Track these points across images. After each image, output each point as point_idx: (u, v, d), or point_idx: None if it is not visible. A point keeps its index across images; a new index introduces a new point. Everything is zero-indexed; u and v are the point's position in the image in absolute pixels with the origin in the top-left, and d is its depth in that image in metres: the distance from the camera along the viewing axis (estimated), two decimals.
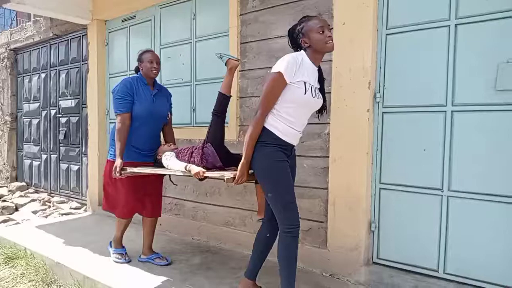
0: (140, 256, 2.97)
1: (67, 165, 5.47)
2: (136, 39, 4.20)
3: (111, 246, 3.05)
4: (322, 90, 2.08)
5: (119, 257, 2.95)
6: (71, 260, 2.94)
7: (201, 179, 2.23)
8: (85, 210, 4.90)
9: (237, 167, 2.05)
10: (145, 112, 2.68)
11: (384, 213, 2.56)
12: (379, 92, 2.53)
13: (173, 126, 3.02)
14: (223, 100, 2.44)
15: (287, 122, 1.96)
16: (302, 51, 2.00)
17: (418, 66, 2.39)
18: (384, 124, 2.54)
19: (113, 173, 2.56)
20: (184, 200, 3.70)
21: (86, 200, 4.96)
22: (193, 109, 3.61)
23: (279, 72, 1.87)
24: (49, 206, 5.26)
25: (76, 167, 5.30)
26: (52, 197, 5.56)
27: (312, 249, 2.78)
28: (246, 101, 3.17)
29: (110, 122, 4.56)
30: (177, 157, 2.47)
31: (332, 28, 2.50)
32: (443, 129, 2.31)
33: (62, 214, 4.76)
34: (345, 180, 2.58)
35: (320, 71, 2.05)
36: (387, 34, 2.49)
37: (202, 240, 3.50)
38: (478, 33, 2.18)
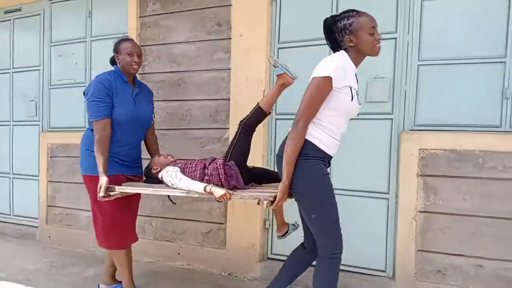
0: (99, 286, 2.50)
1: None
2: (21, 34, 3.81)
3: None
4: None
5: None
6: None
7: (219, 201, 1.89)
8: None
9: (255, 182, 1.98)
10: (128, 116, 2.19)
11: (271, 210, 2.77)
12: None
13: (64, 129, 2.82)
14: (260, 116, 2.05)
15: (329, 132, 1.73)
16: (342, 51, 1.75)
17: (304, 79, 2.64)
18: (277, 129, 2.76)
19: (98, 194, 2.04)
20: (78, 209, 3.46)
21: None
22: None
23: (328, 77, 1.63)
24: None
25: None
26: None
27: (212, 250, 2.87)
28: None
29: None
30: (183, 172, 2.04)
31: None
32: None
33: None
34: None
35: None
36: (279, 48, 2.74)
37: (98, 250, 3.31)
38: None
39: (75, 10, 3.48)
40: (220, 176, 1.95)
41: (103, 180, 2.03)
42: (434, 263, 2.35)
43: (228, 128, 2.81)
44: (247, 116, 2.05)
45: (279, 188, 1.69)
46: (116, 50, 2.27)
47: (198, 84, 2.92)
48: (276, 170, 1.95)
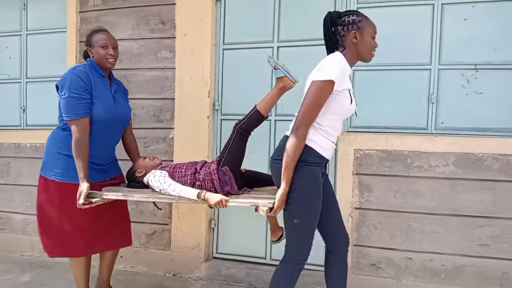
0: None
1: None
2: None
3: None
4: None
5: None
6: None
7: (211, 206, 1.81)
8: None
9: (247, 186, 1.93)
10: (107, 115, 1.98)
11: (222, 209, 2.80)
12: (218, 101, 2.77)
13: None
14: (257, 120, 1.99)
15: (327, 136, 1.70)
16: (338, 53, 1.70)
17: (249, 80, 2.71)
18: (222, 130, 2.78)
19: (78, 201, 1.85)
20: (12, 212, 3.26)
21: None
22: (23, 110, 3.23)
23: (331, 81, 1.59)
24: None
25: None
26: None
27: (156, 251, 2.84)
28: None
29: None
30: (172, 177, 1.91)
31: None
32: (268, 135, 2.68)
33: None
34: None
35: None
36: (224, 49, 2.75)
37: (35, 255, 3.14)
38: (295, 56, 2.62)
39: (8, 1, 3.25)
40: (214, 182, 1.86)
41: (84, 187, 1.85)
42: (369, 257, 2.50)
43: (173, 128, 2.78)
44: (243, 119, 1.98)
45: (277, 195, 1.63)
46: (88, 43, 2.06)
47: (141, 83, 2.86)
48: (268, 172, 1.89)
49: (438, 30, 2.37)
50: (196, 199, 1.78)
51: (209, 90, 2.69)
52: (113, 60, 2.04)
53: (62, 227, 2.00)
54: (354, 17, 1.69)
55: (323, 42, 1.81)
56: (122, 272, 2.86)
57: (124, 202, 2.20)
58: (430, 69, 2.39)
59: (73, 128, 1.90)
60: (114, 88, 2.10)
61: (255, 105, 2.00)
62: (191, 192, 1.80)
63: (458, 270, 2.35)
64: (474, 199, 2.31)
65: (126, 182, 2.15)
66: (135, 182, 2.06)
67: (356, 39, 1.68)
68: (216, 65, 2.76)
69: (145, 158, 2.12)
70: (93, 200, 1.87)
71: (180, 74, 2.74)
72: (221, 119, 2.78)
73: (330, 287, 1.91)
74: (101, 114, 1.96)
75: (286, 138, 1.71)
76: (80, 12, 2.99)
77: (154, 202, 2.08)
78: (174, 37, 2.75)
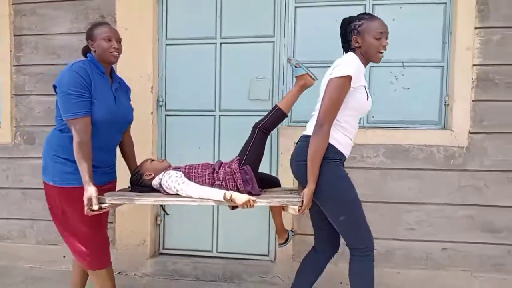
0: None
1: None
2: None
3: None
4: None
5: None
6: None
7: (233, 207, 1.75)
8: None
9: (262, 188, 1.90)
10: (107, 115, 1.86)
11: (169, 205, 2.80)
12: (161, 96, 2.76)
13: None
14: (279, 118, 2.05)
15: (346, 132, 1.74)
16: (351, 53, 1.76)
17: (193, 76, 2.73)
18: (167, 125, 2.78)
19: (86, 208, 1.72)
20: None
21: None
22: None
23: (349, 76, 1.63)
24: None
25: None
26: None
27: None
28: (23, 99, 2.87)
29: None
30: (188, 178, 1.84)
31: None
32: (213, 130, 2.72)
33: None
34: None
35: None
36: (167, 44, 2.75)
37: None
38: (237, 52, 2.67)
39: None
40: (237, 181, 1.83)
41: (92, 191, 1.72)
42: (309, 244, 2.58)
43: None
44: (264, 118, 2.02)
45: (305, 194, 1.66)
46: (89, 36, 1.92)
47: None
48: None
49: None
50: (221, 199, 1.71)
51: (152, 85, 2.68)
52: (117, 53, 1.92)
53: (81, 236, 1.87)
54: (356, 22, 1.75)
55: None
56: (66, 272, 2.78)
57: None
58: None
59: (74, 128, 1.76)
60: (116, 87, 1.97)
61: (276, 104, 2.06)
62: (216, 193, 1.73)
63: (389, 253, 2.54)
64: (402, 187, 2.51)
65: (130, 185, 2.03)
66: (141, 186, 1.95)
67: (358, 43, 1.74)
68: (159, 61, 2.75)
69: (153, 160, 2.03)
70: (103, 205, 1.74)
71: (122, 69, 2.68)
72: (166, 115, 2.78)
73: (302, 277, 1.99)
74: (102, 114, 1.83)
75: (304, 138, 1.76)
76: (13, 4, 2.85)
77: (162, 207, 1.96)
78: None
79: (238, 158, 1.94)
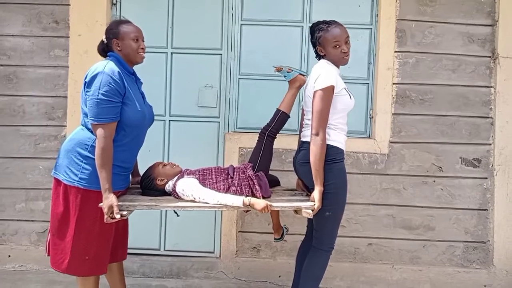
0: None
1: None
2: None
3: None
4: None
5: None
6: None
7: (246, 211, 1.82)
8: None
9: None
10: (142, 116, 1.83)
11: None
12: None
13: None
14: (284, 121, 2.17)
15: (342, 131, 1.99)
16: (323, 60, 1.99)
17: (145, 82, 2.83)
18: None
19: (106, 217, 1.68)
20: None
21: None
22: None
23: (331, 86, 1.85)
24: None
25: None
26: None
27: None
28: None
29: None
30: (203, 184, 1.89)
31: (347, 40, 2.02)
32: (162, 134, 2.88)
33: None
34: None
35: None
36: None
37: None
38: (187, 62, 2.86)
39: None
40: (255, 186, 1.92)
41: (114, 199, 1.69)
42: (251, 241, 2.85)
43: (66, 126, 2.81)
44: (270, 123, 2.13)
45: (315, 196, 1.84)
46: (115, 34, 1.83)
47: (32, 80, 2.83)
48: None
49: (306, 47, 2.83)
50: (240, 205, 1.79)
51: None
52: (144, 55, 1.90)
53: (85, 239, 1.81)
54: (317, 34, 1.94)
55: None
56: (10, 272, 2.80)
57: None
58: None
59: (99, 133, 1.71)
60: (140, 85, 1.94)
61: (278, 109, 2.16)
62: (234, 199, 1.81)
63: None
64: None
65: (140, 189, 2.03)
66: (153, 189, 1.97)
67: (322, 52, 1.97)
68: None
69: (165, 165, 2.03)
70: (124, 213, 1.73)
71: (74, 73, 2.79)
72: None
73: (300, 263, 2.18)
74: (135, 116, 1.81)
75: (306, 145, 1.95)
76: None
77: (174, 210, 2.01)
78: (68, 37, 2.79)
79: (251, 164, 2.06)
